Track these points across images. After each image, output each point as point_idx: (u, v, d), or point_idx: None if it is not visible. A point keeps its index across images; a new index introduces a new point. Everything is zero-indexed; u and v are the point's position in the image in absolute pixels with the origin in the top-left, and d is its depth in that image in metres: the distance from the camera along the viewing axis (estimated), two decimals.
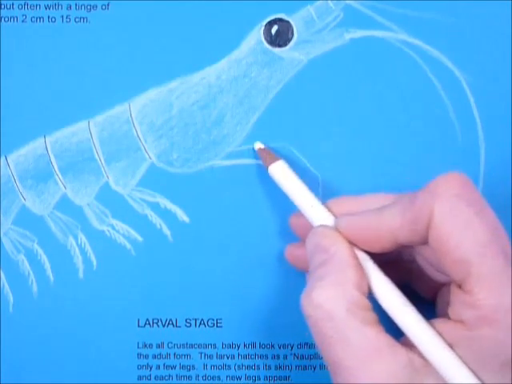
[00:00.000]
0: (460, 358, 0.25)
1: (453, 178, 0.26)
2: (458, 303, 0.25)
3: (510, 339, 0.24)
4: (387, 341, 0.25)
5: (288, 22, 0.33)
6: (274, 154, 0.32)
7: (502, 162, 0.33)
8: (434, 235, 0.25)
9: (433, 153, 0.33)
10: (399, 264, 0.30)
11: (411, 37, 0.33)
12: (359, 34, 0.33)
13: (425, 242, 0.26)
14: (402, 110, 0.33)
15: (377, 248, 0.27)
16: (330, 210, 0.30)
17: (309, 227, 0.30)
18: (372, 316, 0.26)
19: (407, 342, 0.26)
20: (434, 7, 0.33)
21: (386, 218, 0.27)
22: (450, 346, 0.25)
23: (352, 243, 0.28)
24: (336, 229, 0.28)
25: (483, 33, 0.33)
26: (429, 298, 0.30)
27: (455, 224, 0.25)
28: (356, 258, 0.27)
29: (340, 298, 0.25)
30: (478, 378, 0.24)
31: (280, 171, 0.31)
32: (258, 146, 0.33)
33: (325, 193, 0.33)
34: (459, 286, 0.25)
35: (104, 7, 0.33)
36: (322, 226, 0.29)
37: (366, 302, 0.26)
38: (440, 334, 0.25)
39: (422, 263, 0.30)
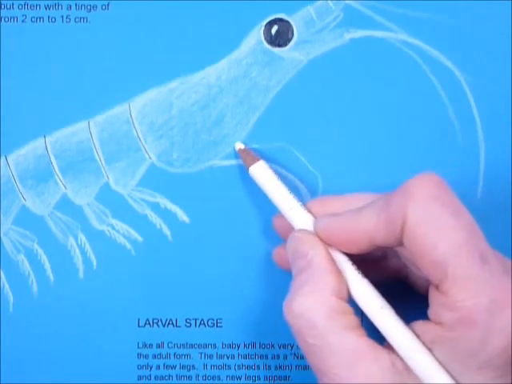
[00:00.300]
0: (439, 359, 0.25)
1: (426, 179, 0.26)
2: (436, 305, 0.25)
3: (487, 339, 0.24)
4: (369, 344, 0.25)
5: (288, 22, 0.33)
6: (254, 155, 0.32)
7: (502, 161, 0.33)
8: (408, 237, 0.25)
9: (433, 153, 0.33)
10: (385, 262, 0.30)
11: (411, 37, 0.33)
12: (359, 34, 0.33)
13: (401, 243, 0.26)
14: (402, 110, 0.33)
15: (354, 249, 0.27)
16: (310, 211, 0.30)
17: (291, 229, 0.30)
18: (353, 320, 0.26)
19: (388, 345, 0.26)
20: (433, 7, 0.33)
21: (363, 220, 0.27)
22: (430, 347, 0.25)
23: (330, 245, 0.28)
24: (314, 232, 0.28)
25: (483, 33, 0.33)
26: (422, 293, 0.30)
27: (430, 225, 0.25)
28: (334, 262, 0.27)
29: (319, 306, 0.25)
30: (457, 379, 0.24)
31: (260, 172, 0.31)
32: (239, 146, 0.33)
33: (325, 193, 0.33)
34: (437, 288, 0.25)
35: (104, 7, 0.33)
36: (299, 230, 0.29)
37: (346, 307, 0.26)
38: (419, 336, 0.25)
39: (405, 262, 0.30)
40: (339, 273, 0.27)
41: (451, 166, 0.33)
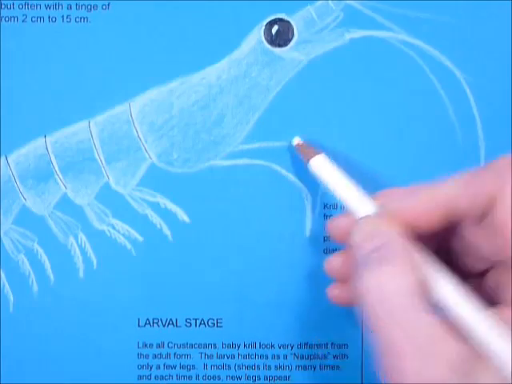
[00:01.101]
0: None
1: None
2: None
3: None
4: (442, 330, 0.24)
5: (288, 22, 0.33)
6: (314, 148, 0.32)
7: None
8: (496, 216, 0.25)
9: (433, 153, 0.33)
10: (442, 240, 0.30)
11: (411, 37, 0.33)
12: (359, 34, 0.33)
13: (480, 219, 0.26)
14: (402, 109, 0.33)
15: (429, 222, 0.27)
16: (377, 201, 0.29)
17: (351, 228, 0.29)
18: (430, 302, 0.25)
19: (460, 331, 0.25)
20: (434, 7, 0.33)
21: (444, 187, 0.26)
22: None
23: (403, 224, 0.27)
24: (385, 217, 0.28)
25: (483, 33, 0.33)
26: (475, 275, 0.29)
27: None
28: (410, 242, 0.26)
29: (399, 282, 0.25)
30: None
31: (322, 165, 0.31)
32: (297, 141, 0.32)
33: (325, 193, 0.33)
34: None
35: (104, 7, 0.33)
36: (370, 215, 0.28)
37: (423, 288, 0.25)
38: (500, 323, 0.24)
39: (459, 250, 0.29)
40: (417, 253, 0.26)
41: (451, 166, 0.33)
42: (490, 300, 0.26)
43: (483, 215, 0.26)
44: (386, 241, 0.26)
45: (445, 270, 0.26)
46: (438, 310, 0.25)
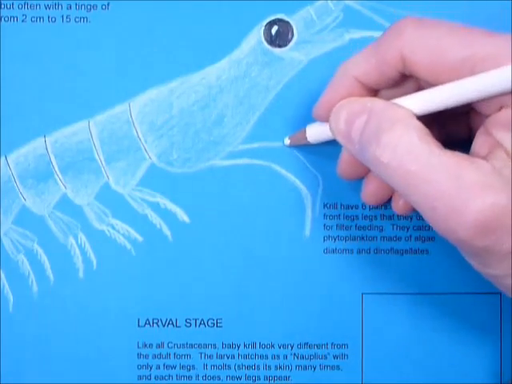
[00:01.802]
0: None
1: (411, 18, 0.27)
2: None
3: None
4: (465, 157, 0.25)
5: (288, 22, 0.33)
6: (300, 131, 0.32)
7: None
8: (413, 64, 0.26)
9: None
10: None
11: None
12: (359, 34, 0.33)
13: (396, 82, 0.28)
14: None
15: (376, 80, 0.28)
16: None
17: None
18: (436, 140, 0.25)
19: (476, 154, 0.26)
20: (434, 8, 0.33)
21: (351, 65, 0.28)
22: None
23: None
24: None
25: None
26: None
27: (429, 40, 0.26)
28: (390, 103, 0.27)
29: (410, 132, 0.25)
30: None
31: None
32: (287, 140, 0.33)
33: (325, 193, 0.33)
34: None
35: (104, 7, 0.33)
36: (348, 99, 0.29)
37: (426, 129, 0.26)
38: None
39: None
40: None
41: None
42: None
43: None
44: (372, 106, 0.27)
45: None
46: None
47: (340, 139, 0.28)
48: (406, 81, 0.29)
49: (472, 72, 0.25)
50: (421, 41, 0.26)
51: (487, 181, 0.24)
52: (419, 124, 0.25)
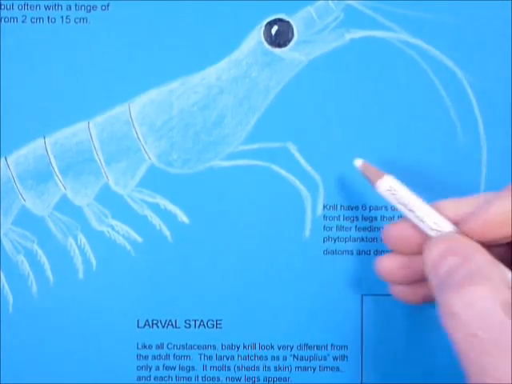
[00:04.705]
0: None
1: None
2: None
3: None
4: None
5: (288, 22, 0.33)
6: (378, 170, 0.30)
7: (504, 162, 0.33)
8: None
9: (434, 153, 0.33)
10: None
11: (412, 37, 0.33)
12: (360, 34, 0.33)
13: None
14: (403, 110, 0.33)
15: (501, 237, 0.26)
16: (448, 219, 0.28)
17: (404, 237, 0.29)
18: None
19: None
20: (434, 7, 0.33)
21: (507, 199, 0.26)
22: None
23: (481, 242, 0.26)
24: (461, 233, 0.27)
25: (484, 33, 0.33)
26: None
27: None
28: (492, 258, 0.26)
29: (495, 297, 0.23)
30: None
31: (388, 188, 0.30)
32: (360, 163, 0.31)
33: (325, 193, 0.33)
34: None
35: (104, 8, 0.33)
36: (448, 232, 0.28)
37: None
38: None
39: None
40: (503, 266, 0.25)
41: (453, 167, 0.33)
42: None
43: None
44: (470, 255, 0.25)
45: None
46: None
47: (426, 261, 0.27)
48: None
49: None
50: None
51: None
52: (509, 295, 0.23)
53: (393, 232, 0.30)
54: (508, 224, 0.26)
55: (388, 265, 0.30)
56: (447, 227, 0.28)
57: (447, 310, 0.24)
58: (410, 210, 0.29)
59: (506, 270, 0.25)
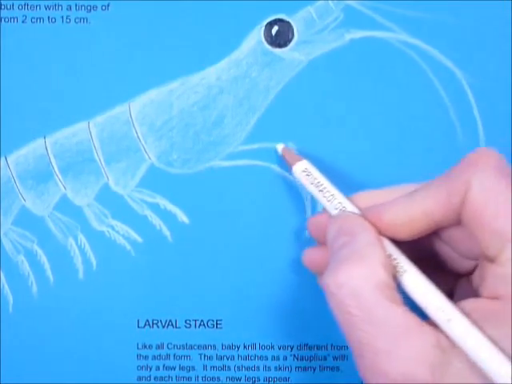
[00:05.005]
0: (492, 336, 0.24)
1: (488, 153, 0.26)
2: (492, 278, 0.25)
3: None
4: (415, 320, 0.24)
5: (288, 22, 0.33)
6: (297, 154, 0.32)
7: None
8: (469, 207, 0.25)
9: (433, 154, 0.33)
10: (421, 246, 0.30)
11: (411, 37, 0.33)
12: (359, 34, 0.33)
13: (458, 219, 0.26)
14: (403, 110, 0.33)
15: (405, 233, 0.27)
16: (355, 204, 0.29)
17: (324, 228, 0.29)
18: (398, 296, 0.25)
19: (432, 322, 0.25)
20: (434, 7, 0.33)
21: (419, 198, 0.26)
22: (482, 324, 0.24)
23: (380, 231, 0.27)
24: (362, 216, 0.28)
25: (484, 33, 0.33)
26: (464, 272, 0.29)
27: (493, 195, 0.25)
28: (381, 241, 0.27)
29: (367, 276, 0.25)
30: None
31: (303, 170, 0.31)
32: (281, 146, 0.33)
33: None
34: (493, 261, 0.25)
35: (104, 8, 0.33)
36: (345, 211, 0.29)
37: (392, 282, 0.25)
38: (469, 314, 0.24)
39: (444, 254, 0.29)
40: (387, 252, 0.26)
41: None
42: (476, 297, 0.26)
43: (459, 219, 0.26)
44: (356, 235, 0.26)
45: (414, 266, 0.26)
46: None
47: (327, 241, 0.28)
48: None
49: None
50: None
51: (425, 355, 0.23)
52: (385, 275, 0.25)
53: (313, 223, 0.31)
54: (404, 229, 0.27)
55: (312, 256, 0.31)
56: (351, 209, 0.29)
57: (326, 289, 0.25)
58: (321, 191, 0.30)
59: (386, 249, 0.26)
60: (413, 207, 0.26)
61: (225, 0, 0.33)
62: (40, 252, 0.33)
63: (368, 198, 0.29)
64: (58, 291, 0.33)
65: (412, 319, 0.24)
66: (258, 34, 0.33)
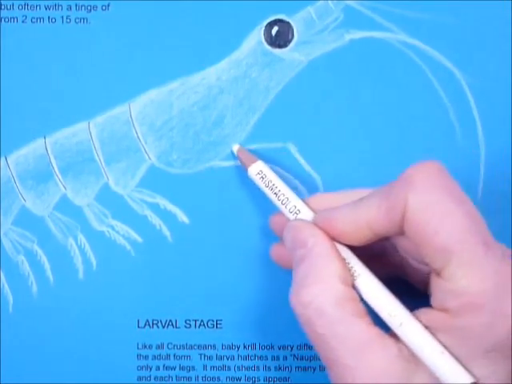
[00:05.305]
0: (445, 346, 0.24)
1: (426, 166, 0.26)
2: (439, 292, 0.25)
3: (494, 323, 0.24)
4: (376, 332, 0.25)
5: (288, 22, 0.33)
6: (252, 156, 0.32)
7: (502, 162, 0.33)
8: (410, 224, 0.25)
9: (433, 154, 0.33)
10: (384, 258, 0.30)
11: (411, 37, 0.33)
12: (359, 34, 0.33)
13: (402, 232, 0.26)
14: (402, 111, 0.33)
15: (355, 241, 0.27)
16: (309, 206, 0.30)
17: (283, 225, 0.30)
18: (360, 307, 0.26)
19: (394, 333, 0.26)
20: (433, 8, 0.33)
21: (363, 209, 0.26)
22: (434, 334, 0.25)
23: (331, 237, 0.27)
24: (314, 223, 0.28)
25: (483, 33, 0.33)
26: (423, 289, 0.30)
27: (431, 211, 0.25)
28: (336, 249, 0.27)
29: (327, 294, 0.25)
30: (464, 364, 0.24)
31: (258, 172, 0.31)
32: (236, 147, 0.33)
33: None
34: (439, 275, 0.25)
35: (104, 8, 0.33)
36: (297, 219, 0.29)
37: (353, 294, 0.26)
38: (424, 324, 0.25)
39: (404, 255, 0.30)
40: (343, 260, 0.27)
41: (451, 167, 0.33)
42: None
43: (403, 231, 0.26)
44: (310, 248, 0.27)
45: (367, 270, 0.27)
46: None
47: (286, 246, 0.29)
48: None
49: None
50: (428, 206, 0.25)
51: (389, 366, 0.24)
52: (344, 288, 0.25)
53: (274, 221, 0.32)
54: (353, 237, 0.27)
55: (278, 251, 0.32)
56: (305, 212, 0.29)
57: (293, 310, 0.26)
58: (275, 194, 0.30)
59: (343, 262, 0.27)
60: (358, 217, 0.27)
61: (225, 0, 0.33)
62: (40, 252, 0.33)
63: (323, 200, 0.30)
64: (58, 291, 0.33)
65: (373, 332, 0.25)
66: (258, 35, 0.33)
